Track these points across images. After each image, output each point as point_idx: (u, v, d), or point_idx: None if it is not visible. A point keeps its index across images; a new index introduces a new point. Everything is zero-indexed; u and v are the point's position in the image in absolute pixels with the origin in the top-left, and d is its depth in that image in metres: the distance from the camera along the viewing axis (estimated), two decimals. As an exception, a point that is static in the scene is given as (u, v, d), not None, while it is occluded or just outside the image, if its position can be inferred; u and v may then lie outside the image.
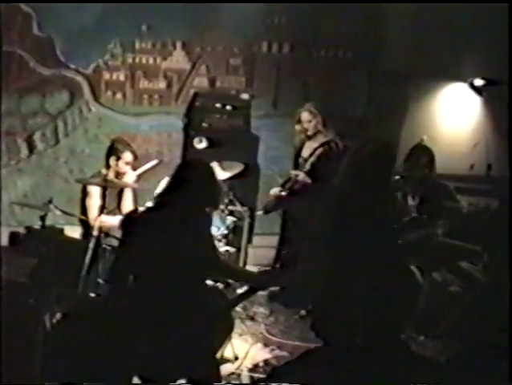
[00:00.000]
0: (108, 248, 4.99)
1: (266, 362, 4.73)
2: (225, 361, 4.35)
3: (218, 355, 4.02)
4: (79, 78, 7.61)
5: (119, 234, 4.91)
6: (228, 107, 7.08)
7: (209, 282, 4.91)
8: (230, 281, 5.53)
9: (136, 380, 3.52)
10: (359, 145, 4.24)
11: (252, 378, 4.39)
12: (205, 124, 6.97)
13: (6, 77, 7.28)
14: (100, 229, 4.98)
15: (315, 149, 5.96)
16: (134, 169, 5.69)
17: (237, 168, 6.50)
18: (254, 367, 4.59)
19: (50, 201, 5.15)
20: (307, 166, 5.93)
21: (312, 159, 5.93)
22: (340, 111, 7.44)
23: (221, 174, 6.12)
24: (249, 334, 5.28)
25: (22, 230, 6.33)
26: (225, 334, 4.02)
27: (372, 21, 7.88)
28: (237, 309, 5.42)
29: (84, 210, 5.50)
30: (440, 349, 4.80)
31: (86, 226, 5.46)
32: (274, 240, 6.56)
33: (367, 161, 4.10)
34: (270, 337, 5.27)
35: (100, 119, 7.69)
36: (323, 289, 4.09)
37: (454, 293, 5.23)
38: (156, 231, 3.68)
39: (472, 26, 7.36)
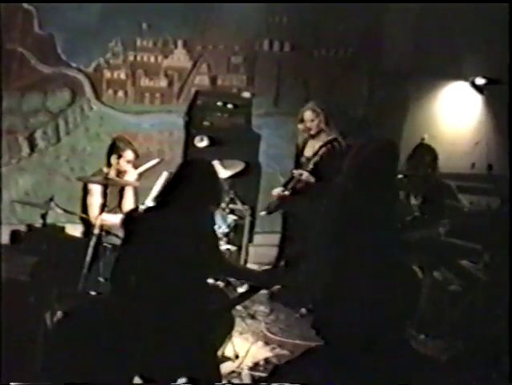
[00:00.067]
0: (109, 246, 5.00)
1: (266, 360, 4.74)
2: (225, 359, 4.36)
3: (219, 354, 4.03)
4: (80, 76, 7.60)
5: (120, 232, 4.92)
6: (229, 106, 7.09)
7: (210, 281, 4.90)
8: (231, 279, 5.54)
9: (137, 380, 3.52)
10: (363, 144, 4.24)
11: (253, 376, 4.40)
12: (206, 123, 6.98)
13: (8, 75, 7.28)
14: (101, 228, 4.99)
15: (319, 148, 5.95)
16: (135, 168, 5.69)
17: (239, 166, 6.51)
18: (255, 366, 4.59)
19: (51, 199, 5.16)
20: (310, 165, 5.92)
21: (316, 158, 5.92)
22: (341, 110, 7.43)
23: (223, 172, 6.13)
24: (249, 332, 5.29)
25: (23, 228, 6.36)
26: (226, 333, 4.02)
27: (373, 20, 7.86)
28: (238, 307, 5.42)
29: (85, 208, 5.50)
30: (440, 348, 4.81)
31: (87, 224, 5.46)
32: (275, 238, 6.57)
33: (371, 160, 4.09)
34: (271, 335, 5.28)
35: (101, 117, 7.69)
36: (325, 288, 4.08)
37: (455, 292, 5.22)
38: (157, 230, 3.68)
39: (473, 24, 7.35)
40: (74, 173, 7.40)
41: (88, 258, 4.77)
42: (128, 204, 5.65)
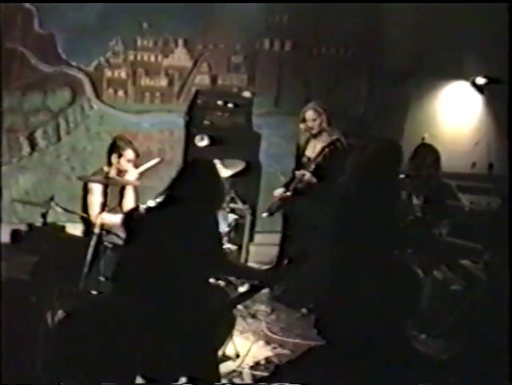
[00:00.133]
0: (110, 245, 4.99)
1: (267, 359, 4.75)
2: (226, 359, 4.36)
3: (220, 353, 4.03)
4: (80, 75, 7.60)
5: (120, 232, 4.92)
6: (229, 105, 7.08)
7: (211, 280, 4.90)
8: (232, 278, 5.53)
9: (139, 380, 3.52)
10: (366, 144, 4.24)
11: (253, 376, 4.40)
12: (206, 122, 6.97)
13: (8, 74, 7.27)
14: (102, 227, 4.99)
15: (323, 149, 5.93)
16: (136, 167, 5.68)
17: (239, 165, 6.49)
18: (256, 365, 4.60)
19: (51, 199, 5.15)
20: (312, 166, 5.91)
21: (318, 159, 5.91)
22: (341, 110, 7.44)
23: (223, 172, 6.12)
24: (250, 331, 5.30)
25: (23, 227, 6.37)
26: (227, 332, 4.03)
27: (374, 19, 7.87)
28: (239, 306, 5.42)
29: (86, 207, 5.49)
30: (441, 347, 4.81)
31: (87, 224, 5.45)
32: (275, 238, 6.56)
33: (374, 160, 4.09)
34: (272, 335, 5.28)
35: (102, 116, 7.69)
36: (327, 288, 4.08)
37: (455, 292, 5.23)
38: (160, 229, 3.68)
39: (473, 24, 7.35)
40: (74, 172, 7.40)
41: (89, 257, 4.76)
42: (129, 203, 5.64)
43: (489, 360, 4.02)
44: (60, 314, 4.01)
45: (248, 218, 6.57)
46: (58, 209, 5.17)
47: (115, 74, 7.72)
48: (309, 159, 6.04)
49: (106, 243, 4.99)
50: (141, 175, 5.73)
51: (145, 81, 7.79)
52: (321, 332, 4.14)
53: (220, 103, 7.00)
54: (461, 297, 5.11)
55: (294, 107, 7.11)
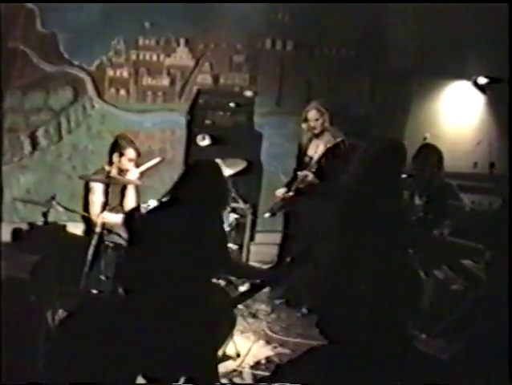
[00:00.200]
0: (111, 244, 4.99)
1: (267, 359, 4.75)
2: (227, 358, 4.36)
3: (220, 353, 4.03)
4: (82, 74, 7.59)
5: (121, 231, 4.93)
6: (231, 105, 7.10)
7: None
8: (232, 278, 5.53)
9: (140, 379, 3.52)
10: (370, 144, 4.24)
11: (254, 375, 4.40)
12: (208, 121, 6.99)
13: (10, 73, 7.28)
14: (103, 226, 4.99)
15: (327, 150, 5.92)
16: (137, 166, 5.69)
17: (240, 165, 6.50)
18: (256, 364, 4.60)
19: (52, 198, 5.15)
20: (315, 166, 5.90)
21: (322, 160, 5.90)
22: (343, 109, 7.43)
23: (224, 171, 6.12)
24: (251, 331, 5.30)
25: (24, 226, 6.37)
26: (227, 332, 4.03)
27: (376, 19, 7.87)
28: (239, 306, 5.42)
29: (87, 207, 5.49)
30: (442, 347, 4.80)
31: (88, 223, 5.46)
32: (276, 237, 6.56)
33: (378, 160, 4.09)
34: (272, 334, 5.28)
35: (104, 115, 7.68)
36: (329, 288, 4.08)
37: (456, 292, 5.22)
38: (164, 230, 3.68)
39: (475, 24, 7.36)
40: (76, 171, 7.39)
41: (90, 257, 4.77)
42: (130, 202, 5.64)
43: (490, 360, 4.02)
44: (61, 313, 4.02)
45: (249, 217, 6.57)
46: (60, 208, 5.17)
47: (117, 73, 7.71)
48: (311, 158, 6.03)
49: (107, 242, 5.00)
50: (142, 174, 5.74)
51: (147, 80, 7.78)
52: (323, 332, 4.14)
53: (222, 102, 7.01)
54: (462, 297, 5.11)
55: (295, 107, 7.11)
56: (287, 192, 6.01)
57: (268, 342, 5.10)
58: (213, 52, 7.84)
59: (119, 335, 3.46)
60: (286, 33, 7.90)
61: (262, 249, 6.83)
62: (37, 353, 3.72)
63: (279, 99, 7.96)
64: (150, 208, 4.17)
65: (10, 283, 4.38)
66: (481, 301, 4.82)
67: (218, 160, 5.74)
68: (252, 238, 6.72)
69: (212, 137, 6.78)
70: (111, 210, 5.32)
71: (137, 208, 4.87)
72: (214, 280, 5.10)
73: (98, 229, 4.92)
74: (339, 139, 5.92)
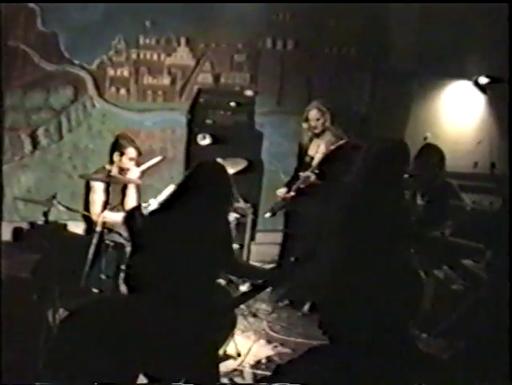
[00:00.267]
0: (111, 244, 4.99)
1: (268, 358, 4.75)
2: (227, 357, 4.36)
3: (221, 352, 4.03)
4: (83, 73, 7.59)
5: (122, 230, 4.93)
6: (232, 104, 7.09)
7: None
8: (233, 277, 5.53)
9: (141, 378, 3.52)
10: (372, 144, 4.23)
11: (254, 374, 4.41)
12: (208, 121, 6.98)
13: (10, 72, 7.28)
14: (103, 225, 4.99)
15: (330, 151, 5.91)
16: (138, 165, 5.69)
17: (241, 164, 6.49)
18: (257, 364, 4.60)
19: (53, 197, 5.14)
20: (317, 167, 5.89)
21: (324, 160, 5.89)
22: (344, 109, 7.42)
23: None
24: (251, 330, 5.30)
25: (25, 226, 6.38)
26: (228, 331, 4.02)
27: (376, 18, 7.86)
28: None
29: (87, 206, 5.50)
30: (442, 347, 4.80)
31: (89, 222, 5.46)
32: (277, 237, 6.56)
33: (381, 160, 4.09)
34: (273, 334, 5.28)
35: (104, 114, 7.68)
36: (330, 287, 4.08)
37: (457, 292, 5.22)
38: (170, 231, 3.68)
39: (476, 24, 7.36)
40: (76, 171, 7.39)
41: (90, 256, 4.77)
42: (131, 201, 5.65)
43: (490, 360, 4.02)
44: (61, 312, 4.02)
45: (250, 217, 6.56)
46: (60, 207, 5.16)
47: (118, 72, 7.71)
48: (312, 158, 6.03)
49: (107, 241, 5.00)
50: (143, 173, 5.74)
51: (148, 79, 7.78)
52: (326, 333, 4.14)
53: (222, 101, 7.01)
54: (463, 296, 5.10)
55: (296, 106, 7.11)
56: (288, 191, 6.01)
57: (269, 342, 5.10)
58: (214, 51, 7.84)
59: (120, 335, 3.46)
60: (286, 32, 7.89)
61: (262, 249, 6.82)
62: (37, 352, 3.72)
63: (280, 99, 7.95)
64: (155, 208, 4.17)
65: (10, 282, 4.38)
66: (482, 301, 4.82)
67: (219, 160, 5.79)
68: (252, 238, 6.71)
69: (212, 136, 6.77)
70: (111, 209, 5.32)
71: (138, 207, 4.87)
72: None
73: (98, 228, 4.92)
74: (342, 142, 5.90)
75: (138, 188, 5.73)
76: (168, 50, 7.76)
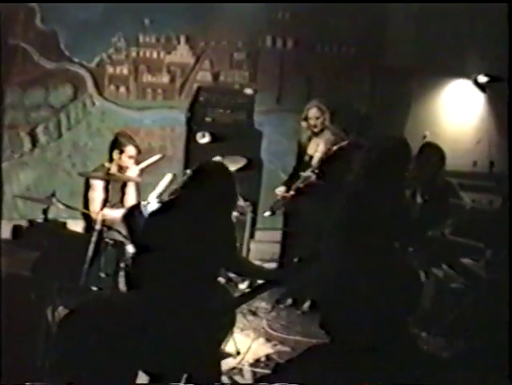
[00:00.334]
0: (111, 242, 4.98)
1: (267, 357, 4.75)
2: (227, 356, 4.36)
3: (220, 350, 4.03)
4: (82, 71, 7.60)
5: (121, 228, 4.92)
6: (231, 102, 7.08)
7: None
8: (232, 275, 5.53)
9: (141, 375, 3.52)
10: (374, 142, 4.24)
11: (254, 373, 4.40)
12: (208, 119, 6.97)
13: (10, 70, 7.28)
14: (103, 223, 4.98)
15: (328, 150, 5.90)
16: (137, 163, 5.69)
17: (240, 162, 6.48)
18: (256, 362, 4.60)
19: (52, 195, 5.14)
20: (316, 165, 5.88)
21: (325, 162, 5.88)
22: (343, 108, 7.42)
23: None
24: (251, 328, 5.30)
25: (24, 223, 6.36)
26: (228, 329, 4.02)
27: (376, 17, 7.86)
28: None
29: (87, 204, 5.49)
30: (442, 346, 4.80)
31: (88, 220, 5.45)
32: (276, 235, 6.57)
33: (383, 159, 4.09)
34: (272, 332, 5.29)
35: (103, 112, 7.68)
36: (331, 287, 4.08)
37: (457, 290, 5.22)
38: (174, 230, 3.67)
39: (475, 23, 7.36)
40: (75, 168, 7.40)
41: (90, 254, 4.76)
42: (130, 199, 5.64)
43: (490, 359, 4.03)
44: (61, 310, 4.01)
45: (249, 215, 6.56)
46: (60, 205, 5.16)
47: (117, 70, 7.72)
48: (311, 157, 6.03)
49: (107, 239, 4.99)
50: (142, 171, 5.73)
51: (147, 77, 7.79)
52: (328, 332, 4.14)
53: (222, 99, 7.00)
54: (462, 295, 5.10)
55: (295, 105, 7.12)
56: (287, 190, 6.00)
57: (268, 340, 5.10)
58: (214, 50, 7.84)
59: (119, 333, 3.46)
60: (286, 31, 7.90)
61: (261, 247, 6.82)
62: (37, 350, 3.72)
63: (279, 97, 7.96)
64: (157, 207, 4.16)
65: (10, 280, 4.38)
66: (482, 300, 4.82)
67: (218, 158, 5.79)
68: (252, 236, 6.70)
69: (212, 134, 6.76)
70: (111, 207, 5.31)
71: (137, 205, 4.87)
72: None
73: (98, 226, 4.91)
74: (344, 143, 5.89)
75: (137, 186, 5.72)
76: (168, 48, 7.77)
